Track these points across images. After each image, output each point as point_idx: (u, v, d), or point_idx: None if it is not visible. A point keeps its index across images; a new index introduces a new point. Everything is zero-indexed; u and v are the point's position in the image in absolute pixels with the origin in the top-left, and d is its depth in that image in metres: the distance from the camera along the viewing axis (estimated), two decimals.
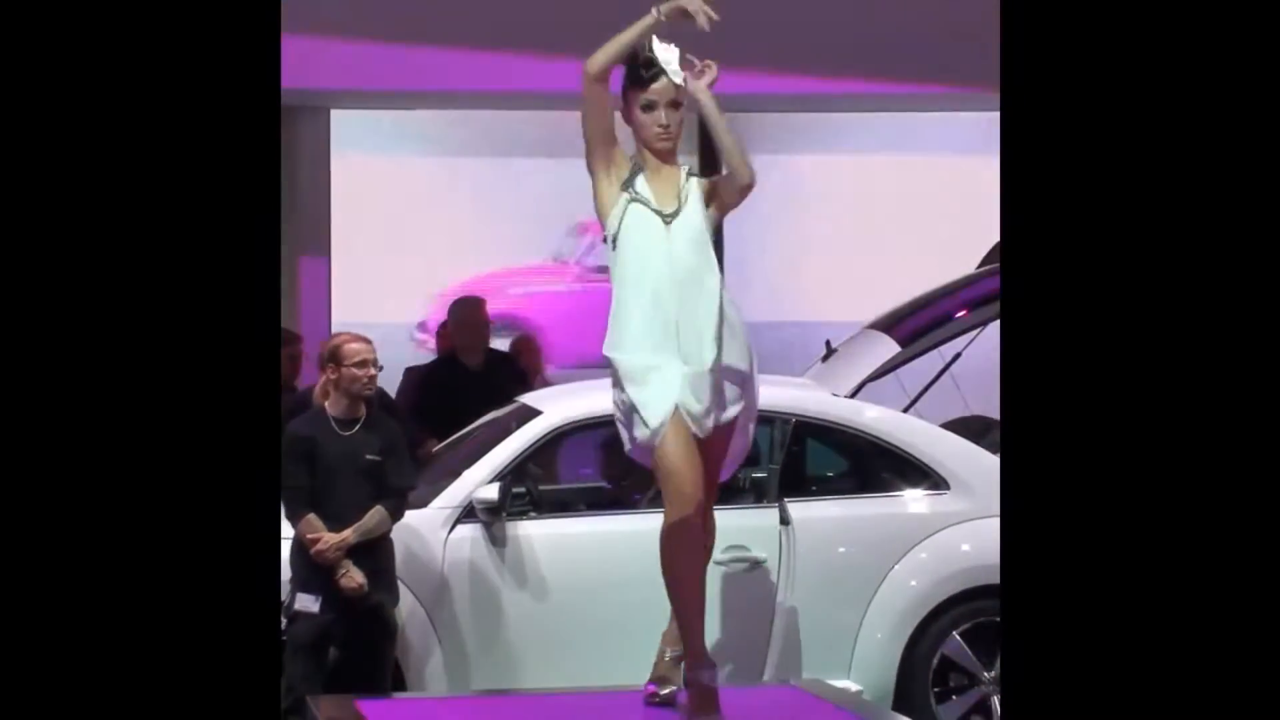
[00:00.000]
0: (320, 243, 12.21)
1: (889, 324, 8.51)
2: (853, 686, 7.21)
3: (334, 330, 10.24)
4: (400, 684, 7.09)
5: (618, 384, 5.86)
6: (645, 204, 5.85)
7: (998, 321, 8.24)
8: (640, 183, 5.87)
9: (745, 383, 5.95)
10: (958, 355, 8.58)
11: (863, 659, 7.36)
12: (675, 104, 5.87)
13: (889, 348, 8.25)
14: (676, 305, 5.78)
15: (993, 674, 7.40)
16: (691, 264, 5.83)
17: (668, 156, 5.93)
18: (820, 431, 7.74)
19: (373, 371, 7.11)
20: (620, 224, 5.85)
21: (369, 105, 12.26)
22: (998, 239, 9.46)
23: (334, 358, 7.10)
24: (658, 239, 5.83)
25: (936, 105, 12.09)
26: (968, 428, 8.15)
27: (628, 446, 5.93)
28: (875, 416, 7.73)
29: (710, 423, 5.81)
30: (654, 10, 5.75)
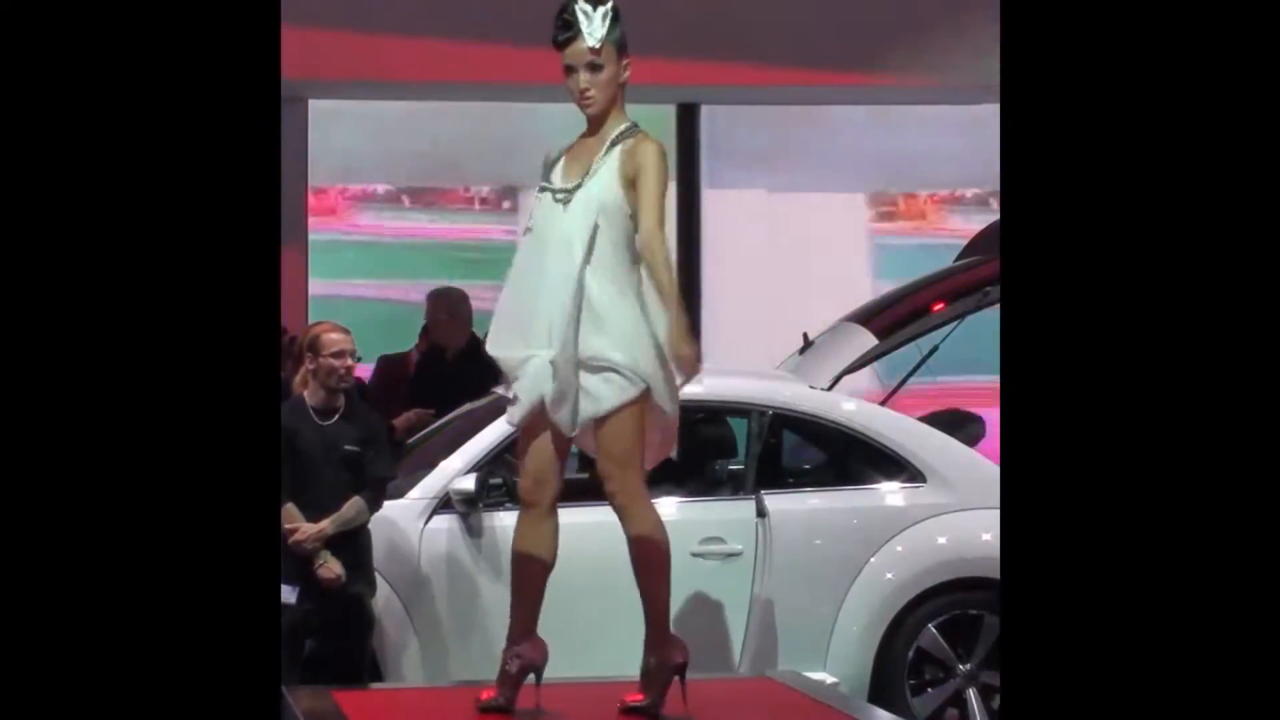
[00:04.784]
0: (297, 233, 12.18)
1: (866, 316, 8.53)
2: (828, 679, 7.22)
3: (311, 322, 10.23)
4: (377, 675, 7.09)
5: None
6: (548, 188, 5.64)
7: (975, 314, 8.28)
8: (559, 165, 5.69)
9: (626, 374, 5.54)
10: (935, 348, 8.59)
11: (839, 651, 7.37)
12: (594, 66, 5.60)
13: (866, 340, 8.27)
14: (546, 292, 5.54)
15: (968, 666, 7.42)
16: (568, 243, 5.55)
17: (594, 122, 5.68)
18: (797, 424, 7.76)
19: (350, 362, 7.10)
20: (530, 218, 5.70)
21: (347, 95, 12.25)
22: (976, 231, 9.52)
23: (312, 348, 7.09)
24: (554, 222, 5.60)
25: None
26: (944, 421, 8.17)
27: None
28: (852, 409, 7.74)
29: (563, 416, 5.56)
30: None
